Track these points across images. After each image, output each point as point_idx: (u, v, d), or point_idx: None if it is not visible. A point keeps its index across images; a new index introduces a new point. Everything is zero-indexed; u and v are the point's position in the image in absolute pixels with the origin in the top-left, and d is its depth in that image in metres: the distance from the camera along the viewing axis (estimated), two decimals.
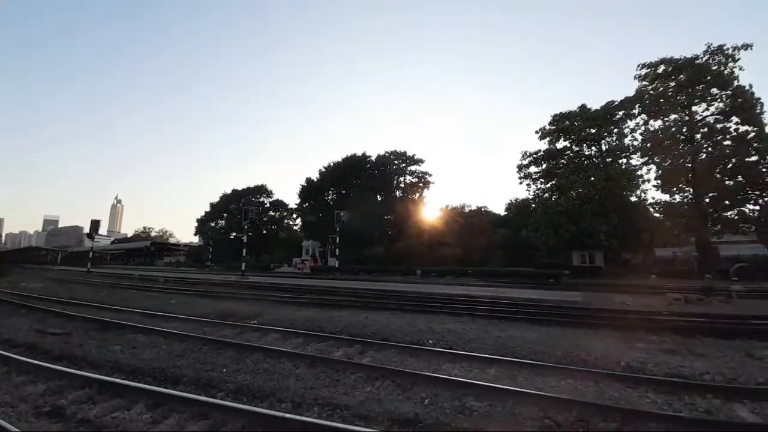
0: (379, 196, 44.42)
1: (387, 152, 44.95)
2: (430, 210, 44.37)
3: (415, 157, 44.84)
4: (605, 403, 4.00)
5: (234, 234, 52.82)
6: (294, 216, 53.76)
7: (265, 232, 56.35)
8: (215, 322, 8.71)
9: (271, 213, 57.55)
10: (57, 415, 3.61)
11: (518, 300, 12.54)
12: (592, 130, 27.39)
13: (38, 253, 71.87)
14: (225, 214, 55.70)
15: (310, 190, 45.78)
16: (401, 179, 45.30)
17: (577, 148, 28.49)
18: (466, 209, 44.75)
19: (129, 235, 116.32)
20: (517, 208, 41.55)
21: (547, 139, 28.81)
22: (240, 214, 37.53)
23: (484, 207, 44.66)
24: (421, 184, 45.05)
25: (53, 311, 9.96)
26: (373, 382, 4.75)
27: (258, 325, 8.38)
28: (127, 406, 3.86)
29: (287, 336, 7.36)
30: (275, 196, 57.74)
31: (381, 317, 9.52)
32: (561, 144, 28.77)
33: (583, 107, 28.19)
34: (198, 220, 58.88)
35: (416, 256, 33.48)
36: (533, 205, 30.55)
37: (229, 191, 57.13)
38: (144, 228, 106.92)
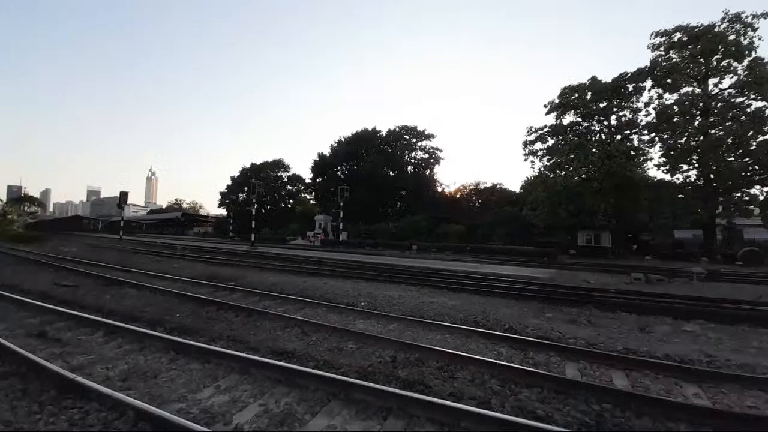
0: (391, 172, 44.97)
1: (397, 127, 44.92)
2: (440, 186, 44.63)
3: (426, 132, 44.62)
4: (444, 349, 4.92)
5: (256, 206, 55.75)
6: (310, 190, 55.59)
7: (282, 205, 58.96)
8: (200, 282, 10.23)
9: (289, 187, 59.78)
10: (40, 335, 5.07)
11: (482, 275, 13.36)
12: (602, 104, 26.10)
13: (81, 221, 79.16)
14: (245, 188, 58.48)
15: (322, 165, 47.04)
16: (412, 154, 45.45)
17: (586, 123, 27.37)
18: (481, 186, 44.53)
19: (163, 206, 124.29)
20: (530, 185, 40.92)
21: (554, 113, 27.82)
22: (259, 187, 39.67)
23: (500, 184, 44.08)
24: (431, 160, 45.08)
25: (74, 270, 11.99)
26: (285, 329, 5.94)
27: (233, 286, 9.80)
28: (90, 333, 5.29)
29: (248, 295, 8.71)
30: (292, 171, 59.81)
31: (341, 284, 10.72)
32: (568, 119, 27.75)
33: (593, 79, 26.71)
34: (221, 193, 62.28)
35: (420, 232, 34.38)
36: (534, 183, 30.10)
37: (248, 165, 59.67)
38: (176, 200, 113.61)
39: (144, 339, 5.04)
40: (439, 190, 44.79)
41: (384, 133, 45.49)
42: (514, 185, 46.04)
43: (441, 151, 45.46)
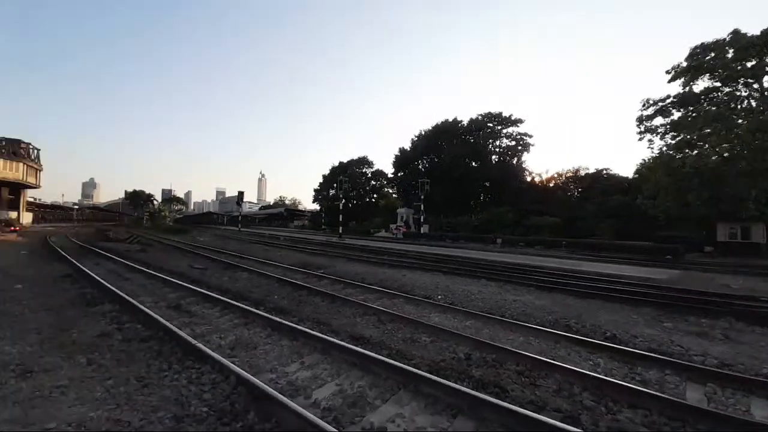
0: (474, 163, 42.92)
1: (480, 115, 42.27)
2: (529, 175, 40.69)
3: (512, 118, 40.89)
4: (526, 352, 4.49)
5: (343, 201, 59.88)
6: (392, 185, 56.97)
7: (367, 199, 61.81)
8: (295, 269, 11.49)
9: (373, 182, 62.35)
10: (176, 308, 6.39)
11: (580, 273, 11.80)
12: (749, 63, 19.79)
13: (212, 216, 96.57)
14: (334, 184, 63.17)
15: (403, 160, 47.56)
16: (496, 143, 42.36)
17: (727, 89, 21.20)
18: (581, 172, 39.13)
19: (271, 203, 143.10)
20: (648, 169, 34.15)
21: (681, 79, 22.31)
22: (345, 184, 42.49)
23: (606, 170, 37.93)
24: (519, 147, 41.23)
25: (204, 255, 14.73)
26: (363, 316, 6.25)
27: (321, 273, 10.74)
28: (211, 308, 6.44)
29: (334, 283, 9.42)
30: (376, 167, 62.10)
31: (419, 276, 10.74)
32: (701, 85, 21.92)
33: (736, 33, 20.40)
34: (315, 190, 68.54)
35: (505, 225, 32.06)
36: (653, 166, 24.85)
37: (336, 163, 64.28)
38: (280, 197, 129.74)
39: (249, 315, 5.91)
40: (529, 179, 40.86)
41: (465, 123, 43.39)
42: (625, 170, 38.91)
43: (530, 136, 41.30)
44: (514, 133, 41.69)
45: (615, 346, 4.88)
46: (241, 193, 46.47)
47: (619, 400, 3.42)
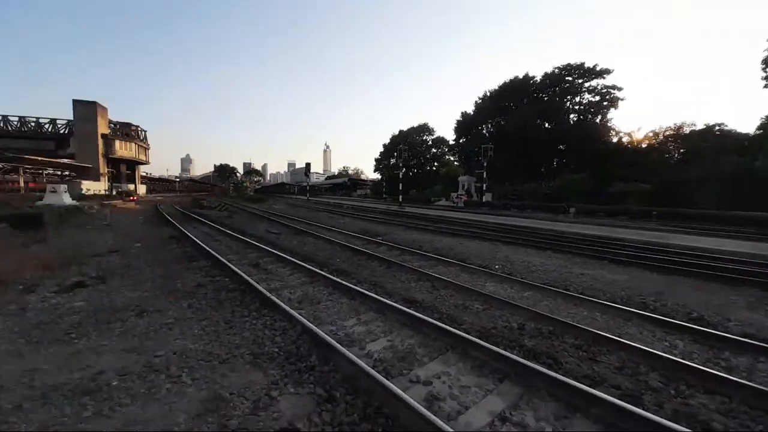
0: (546, 123, 38.68)
1: (556, 68, 36.98)
2: (615, 135, 35.29)
3: (597, 69, 35.05)
4: (587, 327, 4.23)
5: (404, 170, 59.83)
6: (454, 152, 54.80)
7: (427, 168, 60.74)
8: (356, 236, 12.13)
9: (433, 150, 60.71)
10: (255, 266, 7.32)
11: (667, 246, 10.33)
12: None
13: (284, 186, 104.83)
14: (395, 153, 63.08)
15: (465, 125, 44.85)
16: (576, 99, 37.08)
17: None
18: (686, 129, 32.75)
19: (335, 173, 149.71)
20: None
21: None
22: (406, 152, 42.21)
23: (720, 125, 31.10)
24: (604, 103, 35.55)
25: (278, 222, 16.29)
26: (417, 281, 6.45)
27: (380, 240, 11.18)
28: (283, 267, 7.25)
29: (391, 249, 9.77)
30: (437, 134, 60.05)
31: (477, 245, 10.52)
32: None
33: None
34: (376, 159, 69.42)
35: (581, 193, 28.87)
36: None
37: (397, 132, 63.67)
38: (344, 167, 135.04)
39: (314, 275, 6.54)
40: (615, 140, 35.52)
41: (538, 78, 38.61)
42: (745, 125, 31.19)
43: (619, 89, 35.20)
44: (599, 87, 35.98)
45: (700, 328, 4.31)
46: (308, 165, 49.36)
47: (694, 385, 3.10)
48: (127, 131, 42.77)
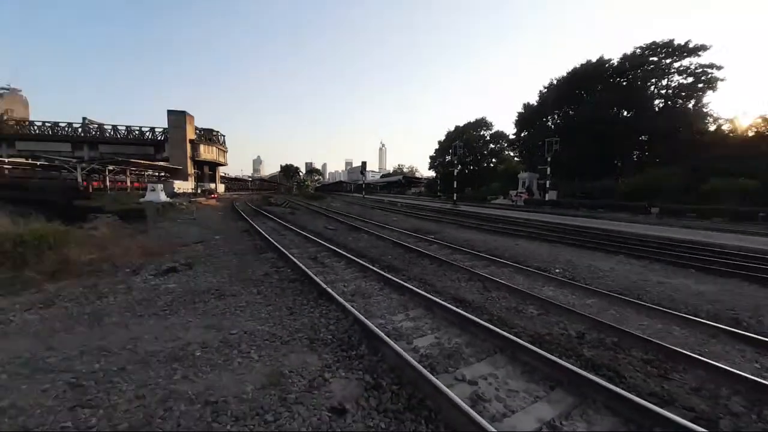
0: (625, 112, 34.49)
1: (639, 48, 32.46)
2: (712, 123, 30.07)
3: (690, 46, 30.05)
4: (660, 342, 3.80)
5: (459, 167, 58.31)
6: (514, 147, 51.79)
7: (484, 164, 58.35)
8: (408, 234, 12.28)
9: (491, 145, 58.09)
10: (314, 259, 7.87)
11: None
12: None
13: (342, 185, 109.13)
14: (450, 150, 61.68)
15: (527, 117, 41.92)
16: (662, 83, 32.31)
17: None
18: None
19: (390, 171, 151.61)
20: None
21: None
22: (461, 149, 41.19)
23: None
24: (699, 85, 30.45)
25: (335, 219, 17.14)
26: (468, 281, 6.36)
27: (432, 239, 11.17)
28: (338, 261, 7.69)
29: (442, 248, 9.71)
30: (495, 128, 57.35)
31: (536, 247, 9.93)
32: None
33: None
34: (430, 157, 68.69)
35: (668, 191, 25.21)
36: None
37: (452, 128, 62.18)
38: (399, 165, 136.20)
39: (366, 270, 6.83)
40: (712, 128, 30.32)
41: (616, 61, 34.46)
42: None
43: (718, 68, 29.79)
44: (692, 66, 30.98)
45: None
46: (363, 164, 50.82)
47: None
48: (210, 136, 48.35)
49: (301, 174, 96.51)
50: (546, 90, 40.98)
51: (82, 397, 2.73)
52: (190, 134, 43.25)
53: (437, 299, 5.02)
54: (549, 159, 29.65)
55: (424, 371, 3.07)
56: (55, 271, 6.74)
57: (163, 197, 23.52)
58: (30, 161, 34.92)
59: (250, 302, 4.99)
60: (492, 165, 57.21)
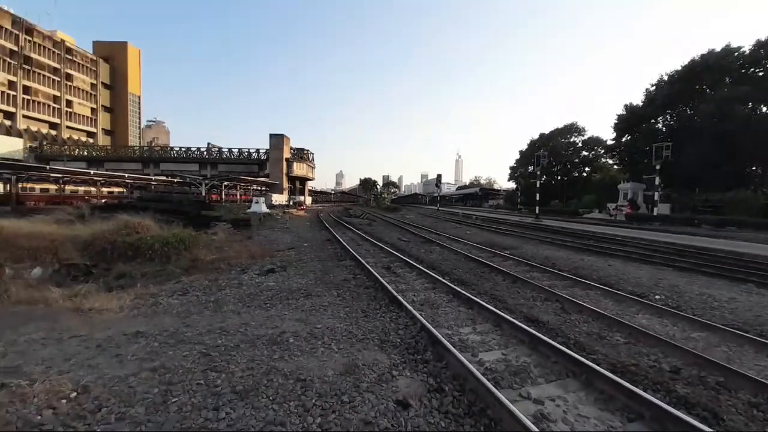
0: (763, 107, 27.72)
1: None
2: None
3: None
4: (728, 365, 3.15)
5: (544, 177, 53.84)
6: (613, 154, 45.64)
7: (575, 174, 52.68)
8: (481, 248, 12.03)
9: (584, 153, 52.26)
10: (387, 269, 8.38)
11: None
12: None
13: (417, 197, 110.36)
14: (533, 160, 57.45)
15: (630, 120, 36.36)
16: None
17: None
18: None
19: (467, 183, 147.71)
20: None
21: None
22: (546, 158, 38.12)
23: None
24: None
25: (409, 230, 17.64)
26: (544, 301, 6.06)
27: (507, 254, 10.76)
28: (410, 272, 8.08)
29: (518, 264, 9.30)
30: (588, 134, 51.56)
31: (632, 269, 8.78)
32: None
33: None
34: (510, 168, 64.91)
35: None
36: None
37: (536, 136, 57.92)
38: (476, 177, 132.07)
39: (436, 282, 7.05)
40: None
41: (747, 49, 27.78)
42: None
43: None
44: None
45: None
46: (439, 176, 50.77)
47: None
48: (301, 155, 54.38)
49: (378, 187, 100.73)
50: (654, 88, 35.43)
51: (210, 363, 3.58)
52: (286, 153, 49.21)
53: (507, 316, 4.97)
54: (658, 167, 25.47)
55: (487, 383, 3.18)
56: (189, 267, 8.58)
57: (264, 208, 27.22)
58: (169, 179, 44.15)
59: (332, 303, 5.67)
60: (585, 175, 51.40)
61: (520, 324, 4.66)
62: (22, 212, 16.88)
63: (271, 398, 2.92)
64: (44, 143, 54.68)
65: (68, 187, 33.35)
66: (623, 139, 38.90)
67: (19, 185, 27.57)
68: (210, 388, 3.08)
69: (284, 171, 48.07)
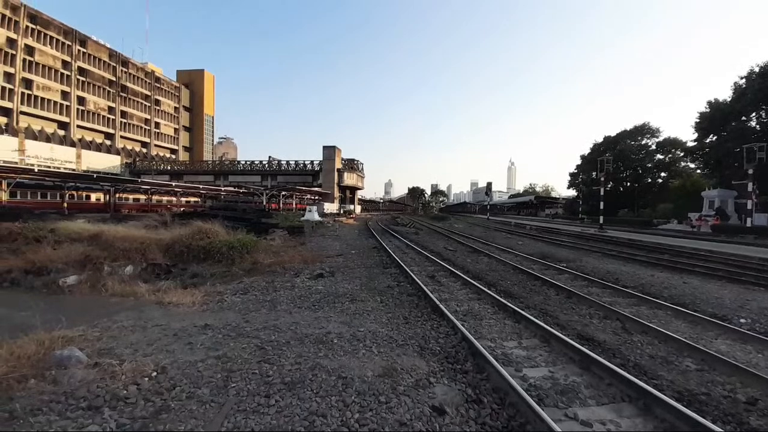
0: None
1: None
2: None
3: None
4: None
5: (610, 184, 49.17)
6: (695, 157, 40.13)
7: (648, 180, 47.27)
8: (533, 259, 11.41)
9: (659, 156, 46.74)
10: (432, 277, 8.37)
11: None
12: None
13: (466, 206, 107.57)
14: (598, 165, 52.77)
15: (715, 118, 31.71)
16: None
17: None
18: None
19: (520, 191, 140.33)
20: None
21: None
22: (609, 164, 34.90)
23: None
24: None
25: (456, 240, 17.34)
26: (602, 319, 5.61)
27: (563, 267, 10.07)
28: (454, 281, 7.99)
29: (575, 278, 8.67)
30: (663, 134, 46.10)
31: (714, 288, 7.69)
32: None
33: None
34: (570, 174, 60.35)
35: None
36: None
37: (600, 139, 53.24)
38: (530, 184, 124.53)
39: (481, 293, 6.89)
40: None
41: None
42: None
43: None
44: None
45: None
46: (489, 184, 49.04)
47: None
48: (351, 165, 56.48)
49: (426, 195, 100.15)
50: (744, 81, 30.67)
51: (264, 356, 3.95)
52: (338, 164, 51.45)
53: (557, 332, 4.71)
54: (751, 171, 21.92)
55: (529, 398, 3.08)
56: (250, 269, 9.43)
57: (316, 217, 28.71)
58: (236, 189, 48.72)
59: (375, 308, 5.86)
60: (660, 181, 45.94)
61: (571, 341, 4.38)
62: (118, 218, 19.90)
63: (315, 391, 3.16)
64: (137, 159, 63.86)
65: (154, 197, 38.52)
66: (707, 140, 34.13)
67: (117, 195, 32.54)
68: (263, 378, 3.41)
69: (335, 181, 50.20)
